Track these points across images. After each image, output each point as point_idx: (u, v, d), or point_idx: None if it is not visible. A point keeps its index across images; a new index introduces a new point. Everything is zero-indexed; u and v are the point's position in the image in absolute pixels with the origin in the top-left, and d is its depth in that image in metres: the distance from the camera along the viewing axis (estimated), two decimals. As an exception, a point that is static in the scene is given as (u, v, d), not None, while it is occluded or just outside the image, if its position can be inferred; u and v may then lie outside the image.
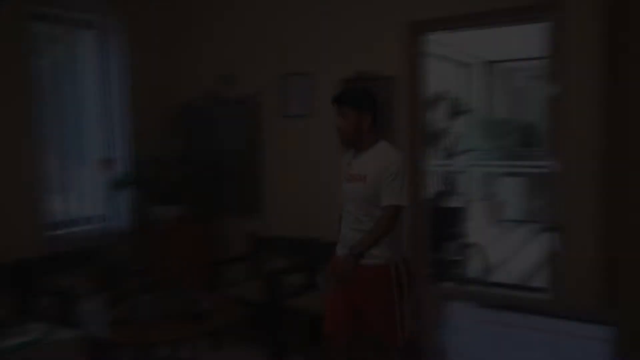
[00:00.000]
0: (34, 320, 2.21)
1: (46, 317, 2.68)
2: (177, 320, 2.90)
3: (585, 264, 3.16)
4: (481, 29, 4.09)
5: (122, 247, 4.11)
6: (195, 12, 4.62)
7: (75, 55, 4.11)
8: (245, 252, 4.33)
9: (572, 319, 1.25)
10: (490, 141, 8.14)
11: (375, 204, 2.62)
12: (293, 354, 3.73)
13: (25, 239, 3.65)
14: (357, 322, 2.72)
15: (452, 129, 6.72)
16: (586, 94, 3.15)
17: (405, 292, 2.65)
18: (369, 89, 2.84)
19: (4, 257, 3.46)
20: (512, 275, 5.49)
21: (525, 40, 5.14)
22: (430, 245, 4.00)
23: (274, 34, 4.24)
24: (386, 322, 2.65)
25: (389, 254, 2.63)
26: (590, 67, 3.12)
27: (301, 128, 4.18)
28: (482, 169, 8.02)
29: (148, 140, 4.35)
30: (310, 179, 4.16)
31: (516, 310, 1.31)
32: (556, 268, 3.38)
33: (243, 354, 3.80)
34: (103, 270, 3.83)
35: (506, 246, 6.72)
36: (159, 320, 2.89)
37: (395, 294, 2.63)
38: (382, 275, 2.62)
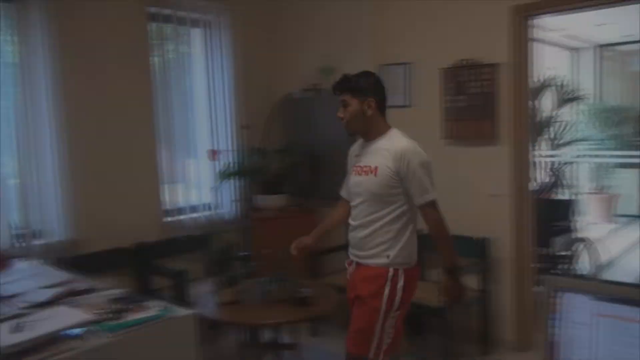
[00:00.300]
0: (152, 299, 2.39)
1: (161, 296, 2.89)
2: (281, 305, 3.01)
3: None
4: (592, 10, 3.82)
5: (229, 234, 4.32)
6: (295, 6, 4.73)
7: (185, 52, 4.37)
8: (345, 241, 4.38)
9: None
10: (603, 130, 7.60)
11: (386, 200, 2.41)
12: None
13: (144, 225, 3.95)
14: None
15: (560, 117, 6.36)
16: None
17: (395, 304, 2.42)
18: (370, 72, 2.59)
19: (127, 241, 3.80)
20: (626, 273, 5.13)
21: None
22: (537, 239, 3.84)
23: (373, 24, 4.23)
24: (364, 326, 2.43)
25: (392, 254, 2.42)
26: None
27: (399, 119, 4.13)
28: (594, 159, 7.52)
29: (253, 131, 4.53)
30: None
31: (635, 304, 1.24)
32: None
33: (340, 341, 3.86)
34: (212, 255, 4.06)
35: (620, 242, 6.27)
36: (264, 304, 3.02)
37: (384, 302, 2.40)
38: (377, 276, 2.42)
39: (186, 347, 2.18)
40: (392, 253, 2.42)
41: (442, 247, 2.45)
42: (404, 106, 4.11)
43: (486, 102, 3.65)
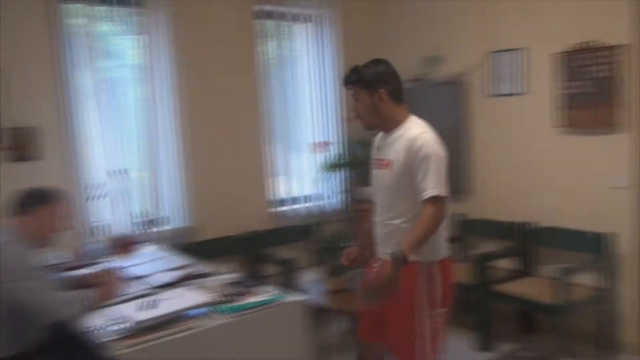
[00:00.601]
0: (264, 284, 2.51)
1: (270, 283, 3.01)
2: (387, 295, 3.02)
3: None
4: None
5: (334, 224, 4.40)
6: (401, -3, 4.69)
7: (291, 47, 4.47)
8: (452, 234, 4.31)
9: None
10: None
11: (403, 196, 2.24)
12: (502, 342, 3.62)
13: (255, 215, 4.15)
14: (383, 331, 2.37)
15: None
16: None
17: (433, 301, 2.24)
18: (379, 60, 2.38)
19: (239, 229, 4.01)
20: None
21: None
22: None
23: (482, 10, 4.09)
24: (404, 333, 2.25)
25: (421, 250, 2.20)
26: None
27: (511, 107, 3.99)
28: None
29: (356, 123, 4.55)
30: (521, 161, 3.96)
31: None
32: None
33: (449, 336, 3.80)
34: (318, 244, 4.16)
35: None
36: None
37: (419, 300, 2.22)
38: (407, 274, 2.17)
39: (297, 330, 2.27)
40: (420, 250, 2.21)
41: (412, 234, 2.14)
42: (513, 94, 3.94)
43: (606, 87, 3.40)
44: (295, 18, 4.40)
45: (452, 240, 4.19)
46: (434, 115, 4.38)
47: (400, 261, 2.07)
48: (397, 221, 2.26)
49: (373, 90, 2.27)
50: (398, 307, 2.25)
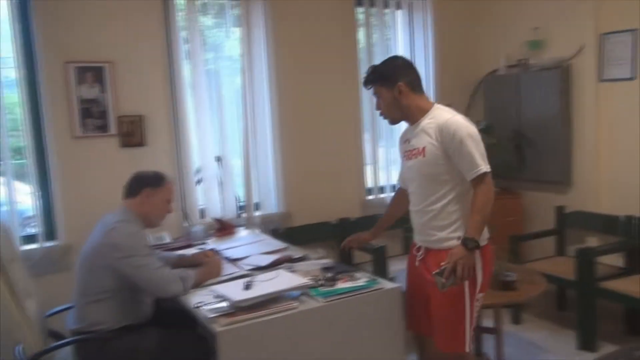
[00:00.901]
0: (358, 270, 2.53)
1: (361, 270, 3.02)
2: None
3: None
4: None
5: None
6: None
7: (389, 34, 4.43)
8: (552, 226, 4.11)
9: None
10: None
11: (440, 180, 2.25)
12: (606, 342, 3.41)
13: (348, 202, 4.20)
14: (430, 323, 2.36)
15: None
16: None
17: (478, 283, 2.24)
18: (395, 56, 2.48)
19: (332, 216, 4.07)
20: None
21: None
22: None
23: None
24: (453, 319, 2.25)
25: (463, 235, 2.18)
26: None
27: (623, 93, 3.72)
28: None
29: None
30: (633, 151, 3.68)
31: None
32: None
33: (545, 333, 3.64)
34: (410, 233, 4.11)
35: None
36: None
37: (466, 285, 2.21)
38: None
39: (391, 317, 2.27)
40: (462, 234, 2.20)
41: (474, 219, 2.17)
42: (629, 79, 3.67)
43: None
44: (395, 5, 4.36)
45: (548, 233, 4.05)
46: (536, 101, 4.24)
47: (473, 245, 2.13)
48: (438, 205, 2.28)
49: (392, 84, 2.31)
50: (442, 294, 2.25)
